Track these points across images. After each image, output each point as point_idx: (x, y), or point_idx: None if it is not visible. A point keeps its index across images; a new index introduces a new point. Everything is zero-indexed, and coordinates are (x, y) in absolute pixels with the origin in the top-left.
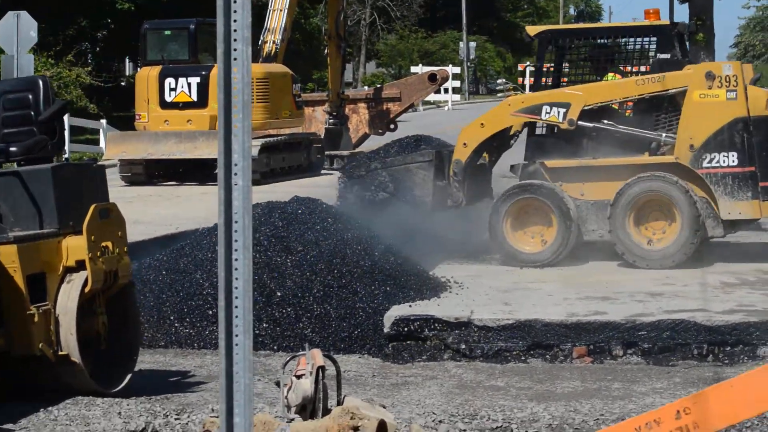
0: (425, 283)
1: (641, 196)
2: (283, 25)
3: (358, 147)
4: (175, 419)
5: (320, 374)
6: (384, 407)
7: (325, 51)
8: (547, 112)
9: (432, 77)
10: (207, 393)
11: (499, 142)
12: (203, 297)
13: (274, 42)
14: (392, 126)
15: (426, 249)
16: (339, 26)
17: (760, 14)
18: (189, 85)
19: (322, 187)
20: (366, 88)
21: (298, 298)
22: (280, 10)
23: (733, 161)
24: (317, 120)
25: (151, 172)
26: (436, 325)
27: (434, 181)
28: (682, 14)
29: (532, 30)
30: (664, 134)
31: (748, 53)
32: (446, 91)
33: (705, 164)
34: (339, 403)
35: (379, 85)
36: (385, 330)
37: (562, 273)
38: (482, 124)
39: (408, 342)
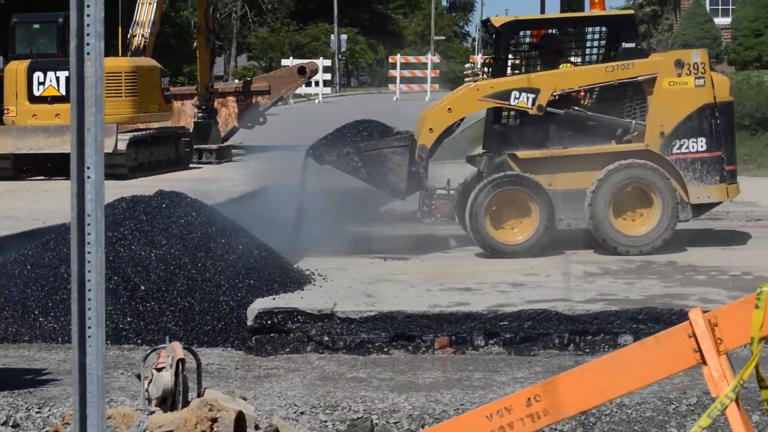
0: (289, 275)
1: (622, 184)
2: (152, 19)
3: (227, 140)
4: (37, 413)
5: (180, 367)
6: (245, 399)
7: (194, 44)
8: (516, 98)
9: (301, 70)
10: (69, 387)
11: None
12: (68, 291)
13: (143, 36)
14: (261, 119)
15: (292, 242)
16: (209, 19)
17: (631, 3)
18: (57, 79)
19: (191, 180)
20: (237, 81)
21: (162, 292)
22: (149, 3)
23: (702, 146)
24: (186, 114)
25: (19, 167)
26: (300, 317)
27: (409, 166)
28: (554, 6)
29: (497, 21)
30: (634, 121)
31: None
32: (317, 83)
33: (675, 150)
34: (200, 395)
35: (249, 79)
36: (249, 323)
37: (425, 265)
38: (449, 108)
39: (271, 335)
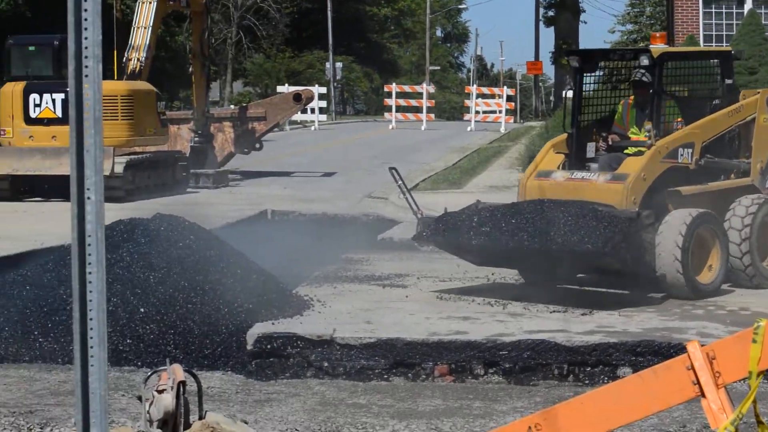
0: (288, 301)
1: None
2: (147, 43)
3: (224, 165)
4: None
5: (181, 389)
6: (246, 423)
7: (190, 69)
8: (681, 155)
9: (297, 97)
10: (71, 407)
11: None
12: (67, 312)
13: (138, 59)
14: (257, 145)
15: (290, 267)
16: (203, 45)
17: (625, 38)
18: (53, 101)
19: (188, 205)
20: (232, 106)
21: (162, 315)
22: (145, 28)
23: None
24: (182, 138)
25: (16, 188)
26: (299, 342)
27: (655, 243)
28: (547, 40)
29: (656, 51)
30: (744, 161)
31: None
32: (313, 111)
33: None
34: (201, 418)
35: (245, 104)
36: (248, 347)
37: (423, 293)
38: (644, 177)
39: (271, 359)
